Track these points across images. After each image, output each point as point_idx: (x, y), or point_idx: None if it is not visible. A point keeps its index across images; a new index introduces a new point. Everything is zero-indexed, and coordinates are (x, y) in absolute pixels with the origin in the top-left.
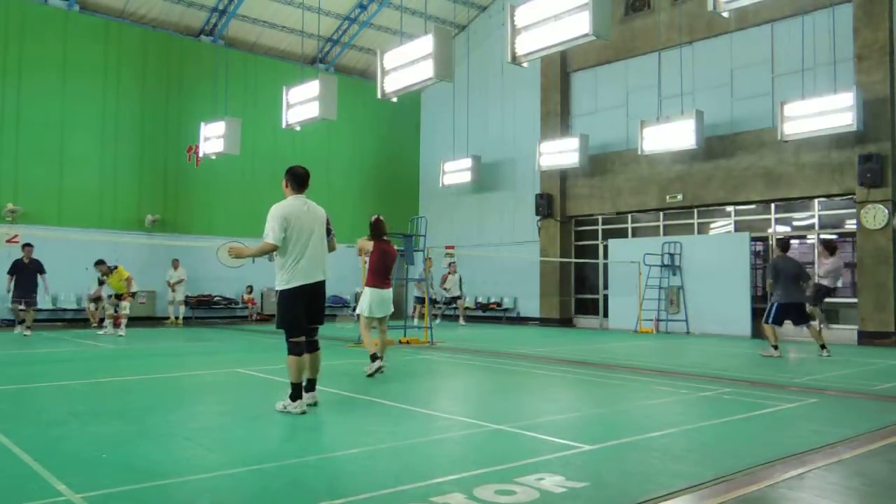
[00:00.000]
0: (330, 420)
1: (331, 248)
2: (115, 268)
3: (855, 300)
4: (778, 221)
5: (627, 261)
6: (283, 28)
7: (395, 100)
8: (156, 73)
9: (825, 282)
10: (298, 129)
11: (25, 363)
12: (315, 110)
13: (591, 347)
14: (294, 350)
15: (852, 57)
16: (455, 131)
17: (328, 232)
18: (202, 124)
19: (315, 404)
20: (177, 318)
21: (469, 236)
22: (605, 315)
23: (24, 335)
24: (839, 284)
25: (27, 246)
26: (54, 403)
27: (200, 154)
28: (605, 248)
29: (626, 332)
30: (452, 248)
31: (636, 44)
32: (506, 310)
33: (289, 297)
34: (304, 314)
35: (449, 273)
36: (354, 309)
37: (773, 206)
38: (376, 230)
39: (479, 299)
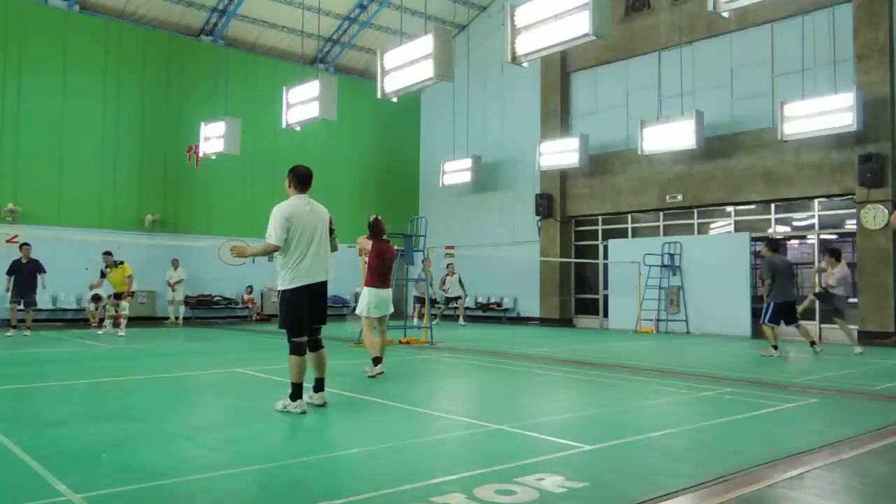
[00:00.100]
0: (330, 420)
1: (333, 248)
2: (121, 263)
3: (855, 300)
4: (778, 221)
5: (627, 261)
6: (283, 28)
7: (395, 100)
8: (156, 73)
9: (839, 291)
10: (298, 129)
11: (25, 363)
12: (315, 110)
13: (591, 347)
14: (296, 350)
15: (852, 57)
16: (455, 131)
17: (331, 232)
18: (202, 124)
19: (324, 405)
20: (177, 317)
21: (469, 236)
22: (605, 315)
23: (24, 335)
24: (850, 292)
25: (25, 245)
26: (54, 403)
27: (200, 154)
28: (605, 248)
29: (626, 333)
30: (452, 248)
31: (636, 44)
32: (506, 310)
33: (291, 297)
34: (306, 314)
35: (447, 275)
36: (354, 309)
37: (773, 206)
38: (375, 230)
39: (479, 299)
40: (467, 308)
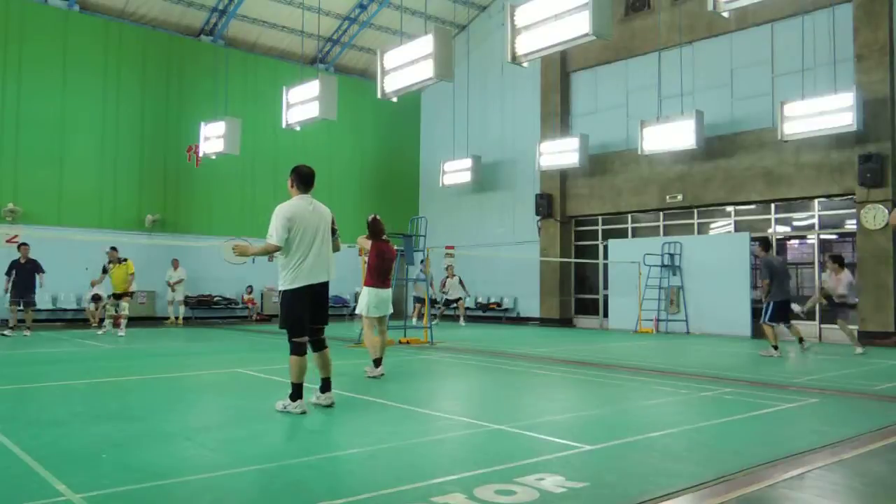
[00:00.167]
0: (330, 420)
1: (335, 249)
2: (125, 260)
3: (855, 300)
4: (778, 221)
5: (627, 261)
6: (283, 28)
7: (395, 100)
8: (156, 73)
9: (851, 298)
10: (298, 129)
11: (25, 363)
12: (315, 110)
13: (591, 347)
14: (296, 350)
15: (852, 57)
16: (455, 131)
17: (333, 232)
18: (202, 124)
19: (331, 405)
20: (177, 317)
21: (469, 236)
22: (605, 315)
23: (24, 335)
24: (856, 296)
25: (23, 245)
26: (54, 403)
27: (200, 154)
28: (605, 248)
29: (626, 333)
30: (452, 248)
31: (636, 44)
32: (506, 310)
33: (291, 298)
34: (307, 315)
35: (447, 277)
36: (354, 309)
37: (773, 206)
38: (374, 229)
39: (479, 299)
40: (467, 308)
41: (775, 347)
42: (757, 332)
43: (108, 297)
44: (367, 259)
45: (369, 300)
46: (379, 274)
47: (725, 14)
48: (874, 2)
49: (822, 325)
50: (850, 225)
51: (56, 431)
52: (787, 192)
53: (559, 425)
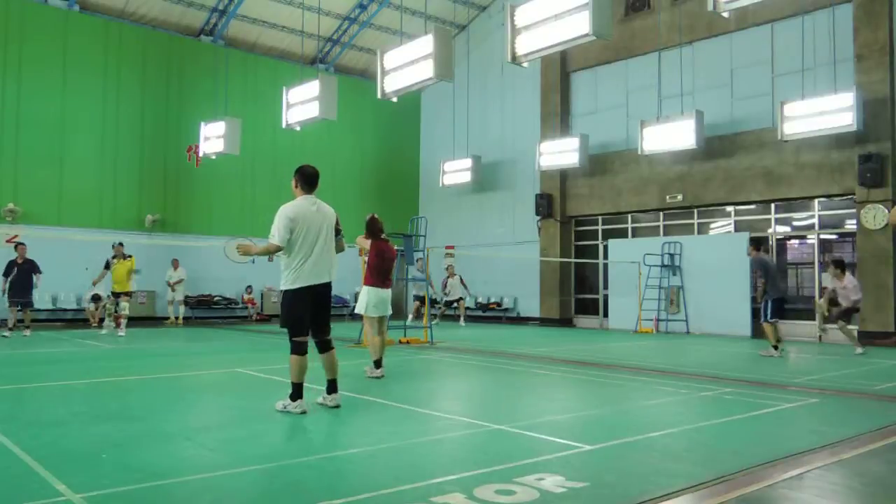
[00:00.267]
0: (330, 420)
1: (338, 249)
2: (129, 257)
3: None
4: (778, 221)
5: (627, 261)
6: (283, 28)
7: (395, 100)
8: (156, 74)
9: (856, 298)
10: (298, 129)
11: (25, 363)
12: (315, 110)
13: (591, 347)
14: (297, 350)
15: (852, 57)
16: (455, 131)
17: (337, 232)
18: (202, 124)
19: (338, 406)
20: (177, 317)
21: (469, 236)
22: (605, 315)
23: (24, 335)
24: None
25: (21, 245)
26: (54, 403)
27: (200, 154)
28: (605, 248)
29: (626, 332)
30: (452, 248)
31: (636, 44)
32: (506, 310)
33: (293, 298)
34: (307, 315)
35: (448, 277)
36: (354, 309)
37: (773, 206)
38: (372, 228)
39: (479, 299)
40: (467, 308)
41: (776, 347)
42: (757, 332)
43: (108, 296)
44: (366, 259)
45: (369, 299)
46: (379, 273)
47: (725, 14)
48: (874, 2)
49: (827, 326)
50: (850, 225)
51: (56, 431)
52: (787, 192)
53: (559, 425)
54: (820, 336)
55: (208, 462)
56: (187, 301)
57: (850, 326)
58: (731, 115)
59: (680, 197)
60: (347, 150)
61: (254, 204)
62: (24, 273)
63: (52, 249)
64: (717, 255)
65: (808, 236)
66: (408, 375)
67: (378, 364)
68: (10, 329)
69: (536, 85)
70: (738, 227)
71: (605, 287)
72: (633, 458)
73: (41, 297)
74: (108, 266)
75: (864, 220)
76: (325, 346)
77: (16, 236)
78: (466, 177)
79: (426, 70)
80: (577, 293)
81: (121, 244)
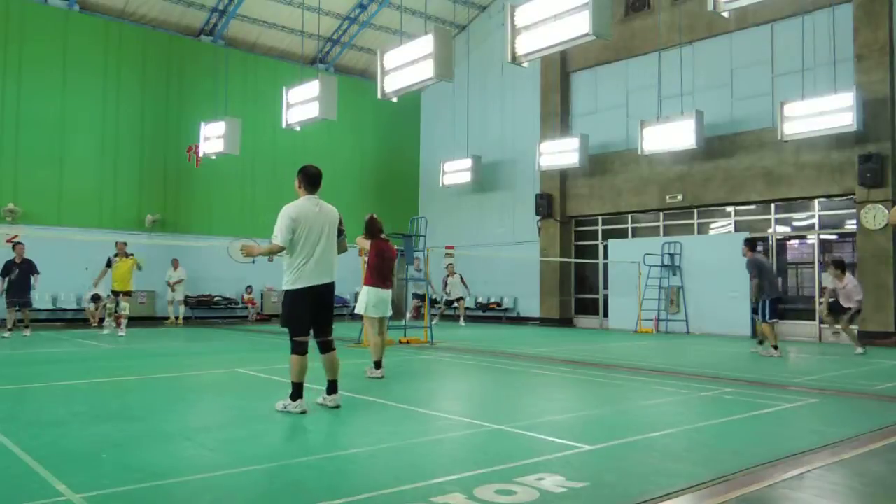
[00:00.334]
0: (330, 420)
1: (341, 250)
2: (131, 255)
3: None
4: (778, 221)
5: (627, 261)
6: (283, 28)
7: (395, 100)
8: (156, 74)
9: (858, 298)
10: (298, 129)
11: (25, 363)
12: (315, 110)
13: (591, 347)
14: (297, 349)
15: (852, 57)
16: (455, 131)
17: (340, 233)
18: (202, 124)
19: (338, 407)
20: (177, 317)
21: (469, 236)
22: (605, 315)
23: (24, 335)
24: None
25: (19, 245)
26: (54, 403)
27: (200, 154)
28: (605, 248)
29: (626, 332)
30: (452, 248)
31: (636, 44)
32: (506, 310)
33: (294, 298)
34: (307, 315)
35: (448, 275)
36: (354, 309)
37: (773, 206)
38: (371, 228)
39: (479, 299)
40: (467, 308)
41: (775, 347)
42: (757, 332)
43: (108, 295)
44: (366, 259)
45: (368, 299)
46: (379, 273)
47: (725, 14)
48: (874, 2)
49: (823, 326)
50: (850, 225)
51: (56, 431)
52: (787, 192)
53: (559, 425)
54: (837, 333)
55: (208, 462)
56: (187, 301)
57: (851, 326)
58: (731, 115)
59: (680, 197)
60: (347, 150)
61: (254, 204)
62: (22, 273)
63: (52, 249)
64: (717, 255)
65: (808, 236)
66: (408, 375)
67: (378, 365)
68: (10, 329)
69: (536, 85)
70: (738, 227)
71: (605, 287)
72: (633, 458)
73: (41, 297)
74: (109, 264)
75: (864, 220)
76: (326, 347)
77: (16, 236)
78: (466, 177)
79: (426, 70)
80: (577, 293)
81: (124, 243)
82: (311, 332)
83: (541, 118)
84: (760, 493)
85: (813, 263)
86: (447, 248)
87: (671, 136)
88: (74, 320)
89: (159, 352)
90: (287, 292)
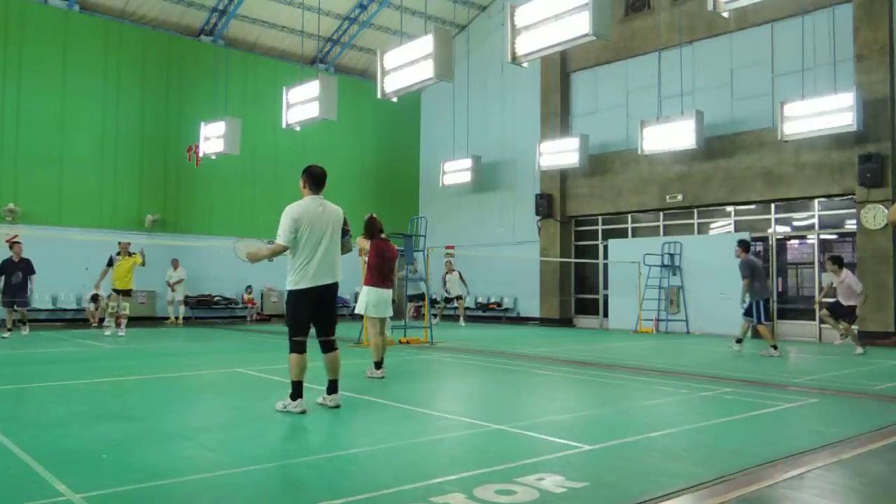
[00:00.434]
0: (330, 420)
1: (345, 250)
2: (134, 255)
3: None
4: (778, 221)
5: (627, 261)
6: (283, 28)
7: (395, 100)
8: (156, 74)
9: (858, 291)
10: (298, 129)
11: (25, 363)
12: (315, 110)
13: (591, 347)
14: (295, 348)
15: (852, 57)
16: (455, 131)
17: (344, 233)
18: (202, 124)
19: (338, 407)
20: (176, 317)
21: (469, 236)
22: (605, 315)
23: (23, 334)
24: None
25: (17, 244)
26: (54, 403)
27: (200, 154)
28: (605, 248)
29: (626, 332)
30: (452, 248)
31: (636, 44)
32: (506, 310)
33: (296, 299)
34: (307, 314)
35: (447, 272)
36: (354, 309)
37: (773, 206)
38: (370, 228)
39: (479, 299)
40: (467, 308)
41: (775, 347)
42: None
43: (108, 295)
44: (366, 259)
45: (369, 299)
46: (379, 273)
47: (725, 14)
48: (874, 2)
49: (823, 326)
50: (850, 225)
51: (56, 431)
52: (787, 192)
53: (559, 425)
54: (844, 336)
55: (208, 462)
56: (187, 301)
57: (851, 326)
58: (731, 115)
59: (680, 197)
60: (347, 150)
61: (254, 204)
62: (20, 272)
63: (52, 249)
64: (717, 255)
65: (808, 236)
66: (408, 375)
67: (378, 365)
68: (10, 329)
69: (536, 85)
70: (738, 227)
71: (605, 287)
72: (633, 458)
73: (41, 297)
74: (111, 263)
75: (864, 220)
76: (328, 347)
77: (16, 236)
78: (466, 177)
79: (426, 70)
80: (577, 293)
81: (128, 243)
82: (315, 331)
83: (541, 118)
84: (760, 493)
85: (813, 263)
86: (447, 248)
87: (671, 136)
88: (74, 320)
89: (159, 352)
90: (290, 292)
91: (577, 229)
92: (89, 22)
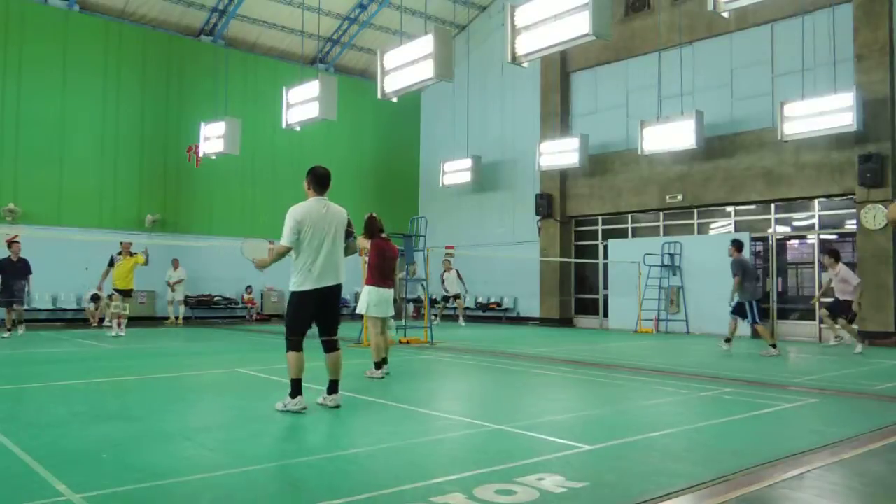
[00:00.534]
0: (330, 420)
1: (349, 251)
2: (135, 254)
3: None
4: (778, 221)
5: (627, 261)
6: (283, 28)
7: (395, 100)
8: (156, 74)
9: (855, 283)
10: (298, 129)
11: (25, 363)
12: (315, 110)
13: (590, 347)
14: (293, 347)
15: (852, 57)
16: (455, 131)
17: (348, 234)
18: (202, 124)
19: (337, 407)
20: (177, 317)
21: (469, 236)
22: (605, 315)
23: (18, 334)
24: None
25: (15, 244)
26: (54, 403)
27: (200, 154)
28: (605, 248)
29: (626, 333)
30: (452, 248)
31: (636, 44)
32: (506, 310)
33: (298, 300)
34: (311, 317)
35: (445, 271)
36: (355, 309)
37: (773, 206)
38: (370, 228)
39: (479, 299)
40: (467, 308)
41: (773, 346)
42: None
43: (109, 296)
44: (367, 259)
45: (370, 299)
46: (380, 273)
47: (725, 14)
48: (874, 2)
49: (823, 326)
50: (850, 225)
51: (56, 431)
52: (787, 192)
53: (559, 425)
54: (839, 338)
55: (208, 462)
56: (187, 301)
57: (851, 326)
58: (731, 115)
59: (680, 197)
60: (347, 150)
61: (254, 204)
62: (18, 272)
63: (52, 249)
64: (717, 255)
65: (808, 236)
66: (408, 375)
67: (378, 366)
68: (10, 329)
69: (536, 85)
70: (738, 227)
71: (605, 287)
72: (633, 458)
73: (41, 297)
74: (112, 263)
75: (864, 221)
76: (331, 346)
77: (16, 236)
78: (466, 177)
79: (426, 70)
80: (577, 293)
81: (129, 243)
82: (317, 331)
83: (541, 118)
84: (760, 493)
85: (813, 263)
86: (447, 248)
87: (671, 136)
88: (74, 320)
89: (159, 352)
90: (293, 293)
91: (577, 229)
92: (89, 22)
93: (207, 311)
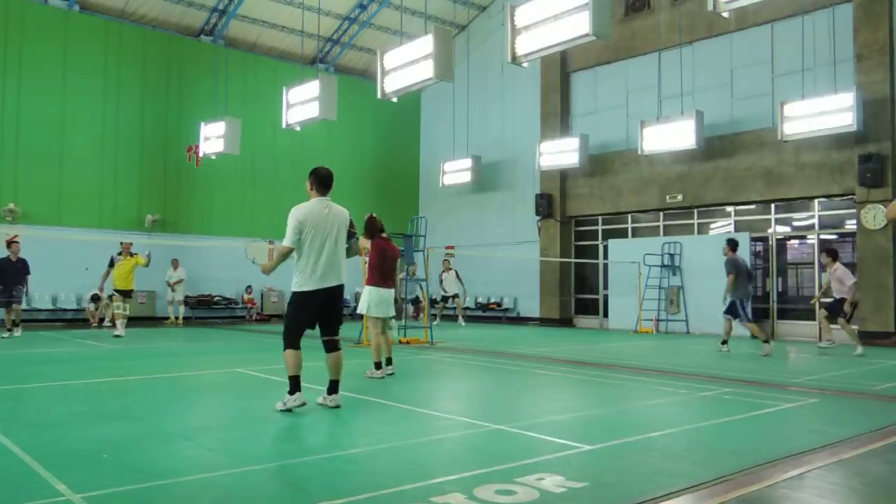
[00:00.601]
0: (330, 420)
1: (352, 252)
2: (136, 255)
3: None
4: (778, 221)
5: (627, 261)
6: (283, 28)
7: (395, 100)
8: (156, 73)
9: (851, 283)
10: (298, 129)
11: (25, 363)
12: (315, 110)
13: (590, 347)
14: (290, 344)
15: (852, 57)
16: (455, 131)
17: (351, 235)
18: (202, 124)
19: (338, 407)
20: (176, 317)
21: (469, 236)
22: (605, 315)
23: (15, 335)
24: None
25: (14, 243)
26: (54, 403)
27: (200, 154)
28: (605, 248)
29: (626, 333)
30: (452, 248)
31: (636, 44)
32: (506, 310)
33: (299, 300)
34: (311, 317)
35: (443, 271)
36: (355, 309)
37: (773, 206)
38: (370, 228)
39: (479, 299)
40: (466, 308)
41: (766, 341)
42: (724, 331)
43: (109, 296)
44: (367, 259)
45: (370, 299)
46: (381, 272)
47: (725, 14)
48: (874, 2)
49: (821, 326)
50: (850, 225)
51: (56, 431)
52: (787, 192)
53: (559, 425)
54: (831, 342)
55: (208, 462)
56: (187, 301)
57: (852, 326)
58: (731, 115)
59: (680, 197)
60: (347, 150)
61: (254, 204)
62: (17, 272)
63: (52, 249)
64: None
65: (808, 236)
66: (408, 375)
67: (378, 366)
68: (10, 329)
69: (536, 85)
70: (738, 227)
71: (605, 287)
72: (633, 458)
73: (41, 297)
74: (112, 263)
75: (864, 221)
76: (332, 346)
77: (16, 236)
78: (466, 177)
79: (426, 70)
80: (577, 293)
81: (130, 243)
82: (318, 331)
83: (541, 118)
84: (760, 493)
85: (813, 263)
86: (447, 248)
87: (671, 136)
88: (74, 320)
89: (159, 352)
90: (294, 293)
91: (577, 229)
92: (89, 22)
93: (207, 311)
